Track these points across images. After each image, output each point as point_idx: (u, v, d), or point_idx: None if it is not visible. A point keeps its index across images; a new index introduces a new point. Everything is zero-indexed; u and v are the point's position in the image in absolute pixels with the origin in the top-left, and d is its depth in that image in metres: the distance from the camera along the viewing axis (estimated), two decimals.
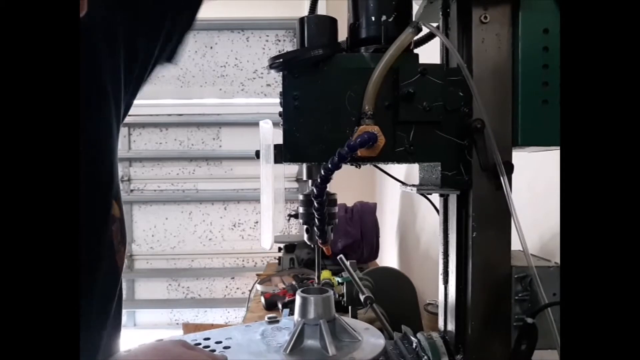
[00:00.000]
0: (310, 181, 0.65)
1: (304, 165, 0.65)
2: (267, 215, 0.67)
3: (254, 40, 3.21)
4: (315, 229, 0.62)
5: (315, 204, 0.58)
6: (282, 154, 0.57)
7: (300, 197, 0.65)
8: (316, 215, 0.60)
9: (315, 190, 0.56)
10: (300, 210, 0.65)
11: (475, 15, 0.55)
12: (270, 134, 0.62)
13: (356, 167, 0.60)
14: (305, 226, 0.66)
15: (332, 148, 0.53)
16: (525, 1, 0.54)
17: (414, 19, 0.59)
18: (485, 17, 0.55)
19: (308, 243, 0.67)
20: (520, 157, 0.59)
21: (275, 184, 0.67)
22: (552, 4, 0.54)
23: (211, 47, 3.21)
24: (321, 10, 2.65)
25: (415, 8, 0.63)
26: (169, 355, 0.54)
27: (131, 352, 0.55)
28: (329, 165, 0.52)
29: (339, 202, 0.67)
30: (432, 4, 0.62)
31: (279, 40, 3.21)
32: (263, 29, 3.18)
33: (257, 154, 0.63)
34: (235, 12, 2.98)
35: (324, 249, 0.66)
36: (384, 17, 0.56)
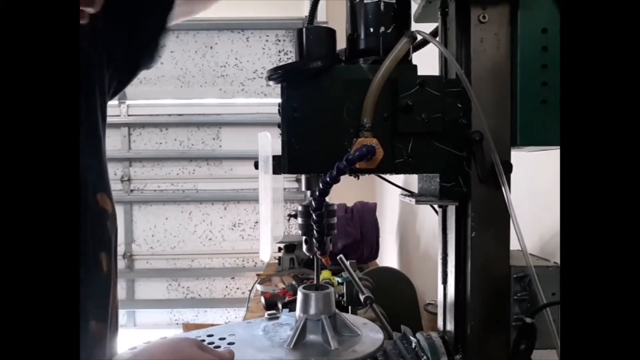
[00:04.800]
0: (309, 192, 0.66)
1: (303, 176, 0.65)
2: (265, 227, 0.67)
3: (254, 40, 3.21)
4: (314, 240, 0.63)
5: (314, 216, 0.59)
6: (280, 165, 0.57)
7: (299, 208, 0.66)
8: (315, 227, 0.60)
9: (314, 202, 0.57)
10: (299, 221, 0.66)
11: (474, 14, 0.55)
12: (269, 146, 0.62)
13: (355, 177, 0.60)
14: (304, 237, 0.66)
15: (331, 159, 0.53)
16: (524, 1, 0.54)
17: (412, 19, 0.59)
18: (484, 17, 0.55)
19: (307, 254, 0.68)
20: (520, 157, 0.58)
21: (275, 183, 0.67)
22: (551, 4, 0.53)
23: (211, 47, 3.21)
24: (320, 13, 2.65)
25: (414, 7, 0.63)
26: (185, 355, 0.54)
27: (147, 348, 0.55)
28: (328, 179, 0.52)
29: (339, 201, 0.67)
30: (430, 3, 0.62)
31: (279, 40, 3.21)
32: (263, 29, 3.18)
33: (256, 164, 0.64)
34: (235, 12, 2.97)
35: (322, 259, 0.67)
36: (382, 29, 0.56)
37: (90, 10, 0.46)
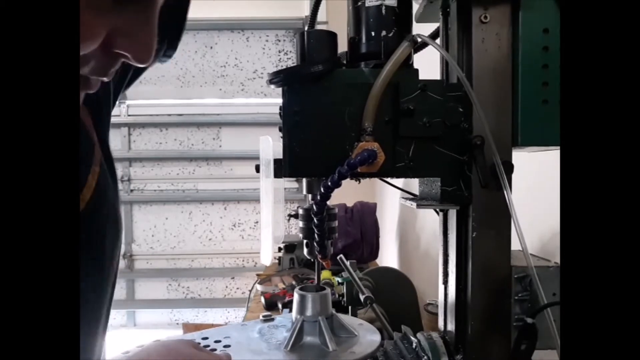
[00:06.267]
0: (310, 196, 0.66)
1: (304, 180, 0.65)
2: (267, 231, 0.67)
3: (254, 40, 3.21)
4: (315, 243, 0.63)
5: (315, 220, 0.59)
6: (281, 169, 0.57)
7: (300, 211, 0.66)
8: (316, 231, 0.60)
9: (315, 207, 0.56)
10: (300, 224, 0.66)
11: (475, 15, 0.55)
12: (271, 149, 0.62)
13: (356, 181, 0.60)
14: (305, 240, 0.66)
15: (332, 163, 0.53)
16: (525, 1, 0.54)
17: (413, 20, 0.59)
18: (485, 17, 0.55)
19: (308, 257, 0.68)
20: (520, 157, 0.58)
21: (275, 184, 0.67)
22: (552, 4, 0.53)
23: (211, 47, 3.21)
24: (320, 14, 2.65)
25: (415, 7, 0.63)
26: (181, 356, 0.54)
27: (142, 350, 0.55)
28: (329, 183, 0.52)
29: (339, 201, 0.67)
30: (432, 3, 0.62)
31: (279, 40, 3.21)
32: (263, 29, 3.18)
33: (257, 168, 0.64)
34: (235, 12, 2.98)
35: (323, 263, 0.67)
36: (384, 32, 0.55)
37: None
